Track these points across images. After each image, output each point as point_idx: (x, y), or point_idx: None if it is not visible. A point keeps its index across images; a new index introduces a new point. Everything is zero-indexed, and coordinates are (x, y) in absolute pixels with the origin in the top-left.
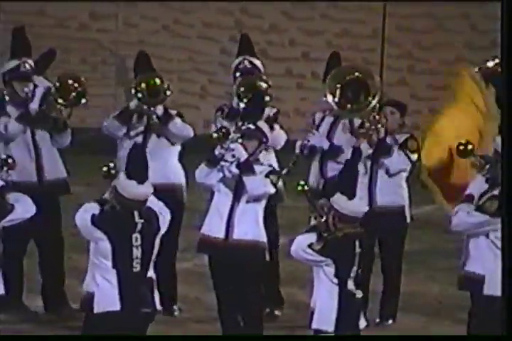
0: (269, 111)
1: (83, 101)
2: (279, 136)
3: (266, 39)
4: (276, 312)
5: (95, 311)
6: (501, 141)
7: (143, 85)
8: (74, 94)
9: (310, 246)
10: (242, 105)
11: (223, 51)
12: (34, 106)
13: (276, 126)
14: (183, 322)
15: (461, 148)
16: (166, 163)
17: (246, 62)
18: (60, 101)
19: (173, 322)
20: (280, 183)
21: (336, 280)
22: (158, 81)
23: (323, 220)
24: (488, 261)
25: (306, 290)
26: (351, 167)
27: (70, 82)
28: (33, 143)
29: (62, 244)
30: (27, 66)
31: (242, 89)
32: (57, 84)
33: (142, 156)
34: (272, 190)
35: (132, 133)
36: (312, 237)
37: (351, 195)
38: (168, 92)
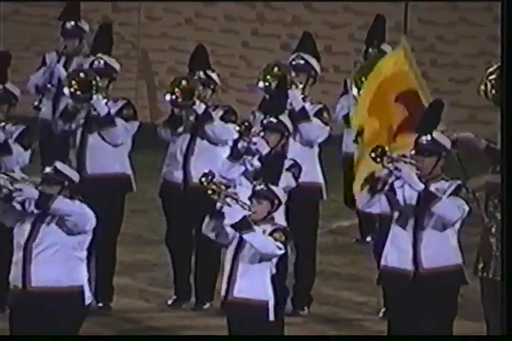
0: (311, 108)
1: (94, 98)
2: (313, 130)
3: (288, 32)
4: (302, 312)
5: (86, 303)
6: (501, 140)
7: (174, 88)
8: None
9: (276, 240)
10: (261, 85)
11: (245, 45)
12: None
13: (316, 121)
14: (207, 315)
15: (373, 155)
16: (211, 163)
17: (299, 59)
18: (78, 93)
19: (196, 314)
20: (321, 181)
21: (274, 270)
22: (184, 82)
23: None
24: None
25: (329, 283)
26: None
27: (84, 76)
28: (80, 139)
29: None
30: (101, 62)
31: (268, 77)
32: (77, 77)
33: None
34: (294, 184)
35: (176, 132)
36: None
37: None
38: (203, 94)
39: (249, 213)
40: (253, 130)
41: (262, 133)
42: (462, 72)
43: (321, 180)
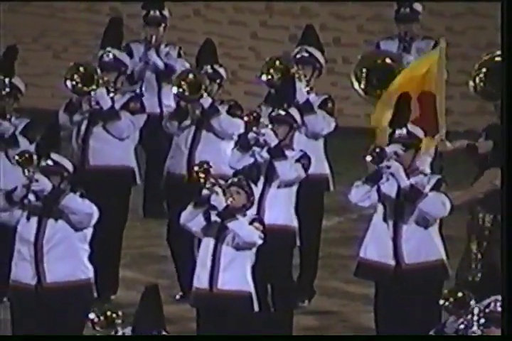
0: (316, 99)
1: (93, 92)
2: (318, 123)
3: (297, 24)
4: (302, 304)
5: (95, 297)
6: (501, 139)
7: (181, 81)
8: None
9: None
10: (264, 78)
11: (254, 36)
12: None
13: (320, 112)
14: None
15: (369, 158)
16: (215, 156)
17: (303, 52)
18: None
19: None
20: (327, 172)
21: (254, 260)
22: (191, 76)
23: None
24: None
25: (337, 276)
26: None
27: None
28: (85, 131)
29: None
30: (110, 56)
31: (272, 70)
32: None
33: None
34: (303, 175)
35: (182, 125)
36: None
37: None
38: (210, 88)
39: (229, 202)
40: (261, 120)
41: (270, 126)
42: (471, 63)
43: (327, 171)
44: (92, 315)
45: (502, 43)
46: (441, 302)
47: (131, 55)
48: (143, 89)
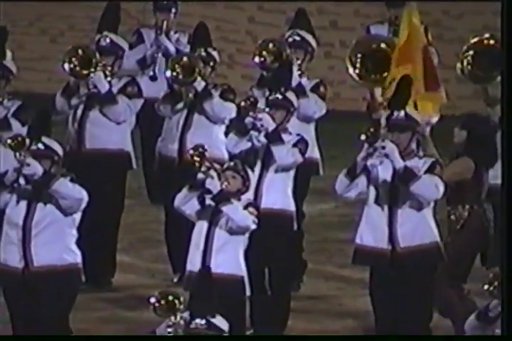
0: (308, 83)
1: (91, 75)
2: (310, 106)
3: (294, 7)
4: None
5: (83, 281)
6: (501, 139)
7: (175, 64)
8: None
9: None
10: (256, 60)
11: (251, 20)
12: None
13: (312, 96)
14: None
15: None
16: (207, 140)
17: (295, 36)
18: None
19: None
20: (317, 156)
21: (247, 244)
22: (185, 59)
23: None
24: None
25: (334, 260)
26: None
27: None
28: (81, 114)
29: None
30: (107, 40)
31: (266, 52)
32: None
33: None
34: (301, 159)
35: (175, 108)
36: None
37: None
38: (203, 71)
39: (224, 186)
40: (258, 106)
41: (267, 109)
42: None
43: (317, 155)
44: (153, 299)
45: (502, 44)
46: (486, 287)
47: (142, 40)
48: (156, 72)
